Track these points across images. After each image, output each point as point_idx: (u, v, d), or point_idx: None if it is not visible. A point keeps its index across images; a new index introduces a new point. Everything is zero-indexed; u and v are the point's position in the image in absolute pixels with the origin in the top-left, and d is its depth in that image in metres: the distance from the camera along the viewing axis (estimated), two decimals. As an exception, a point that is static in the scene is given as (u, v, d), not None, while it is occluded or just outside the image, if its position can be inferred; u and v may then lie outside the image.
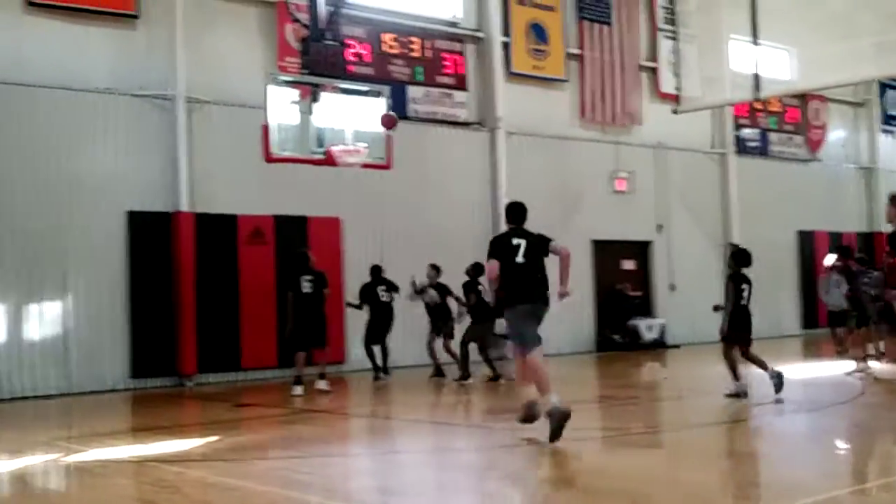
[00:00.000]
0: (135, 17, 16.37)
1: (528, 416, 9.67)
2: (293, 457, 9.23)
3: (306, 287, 14.22)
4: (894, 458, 8.92)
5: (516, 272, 9.48)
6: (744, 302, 12.07)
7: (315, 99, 13.74)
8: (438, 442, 10.61)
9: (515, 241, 9.59)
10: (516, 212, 9.85)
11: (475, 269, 15.38)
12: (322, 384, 14.44)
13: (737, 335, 12.02)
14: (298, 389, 14.05)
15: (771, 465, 8.46)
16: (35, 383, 14.97)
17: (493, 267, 9.56)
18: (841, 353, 16.87)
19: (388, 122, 13.63)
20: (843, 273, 16.18)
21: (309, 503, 7.20)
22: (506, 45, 20.76)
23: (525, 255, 9.53)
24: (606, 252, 22.20)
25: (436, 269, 16.28)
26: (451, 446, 10.21)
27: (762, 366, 12.07)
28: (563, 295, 9.68)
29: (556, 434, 8.87)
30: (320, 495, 7.46)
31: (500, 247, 9.64)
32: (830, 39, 17.34)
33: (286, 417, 12.71)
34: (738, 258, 12.35)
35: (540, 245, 9.66)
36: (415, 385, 15.66)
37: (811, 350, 19.06)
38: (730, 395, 11.92)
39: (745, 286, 12.10)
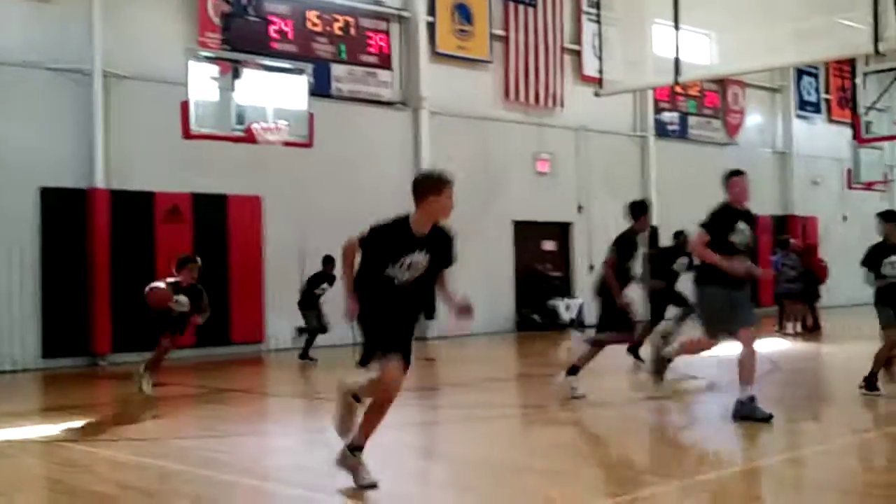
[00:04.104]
0: (49, -13, 15.93)
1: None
2: (210, 436, 9.14)
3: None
4: (799, 434, 9.15)
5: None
6: None
7: (236, 75, 13.54)
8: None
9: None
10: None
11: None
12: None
13: None
14: None
15: (683, 440, 8.60)
16: (-58, 363, 14.57)
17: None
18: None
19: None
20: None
21: (225, 482, 7.14)
22: (430, 25, 20.68)
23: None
24: (527, 232, 22.32)
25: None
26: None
27: None
28: None
29: None
30: (236, 474, 7.40)
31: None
32: (750, 25, 17.55)
33: (202, 397, 12.56)
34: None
35: None
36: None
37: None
38: None
39: None
